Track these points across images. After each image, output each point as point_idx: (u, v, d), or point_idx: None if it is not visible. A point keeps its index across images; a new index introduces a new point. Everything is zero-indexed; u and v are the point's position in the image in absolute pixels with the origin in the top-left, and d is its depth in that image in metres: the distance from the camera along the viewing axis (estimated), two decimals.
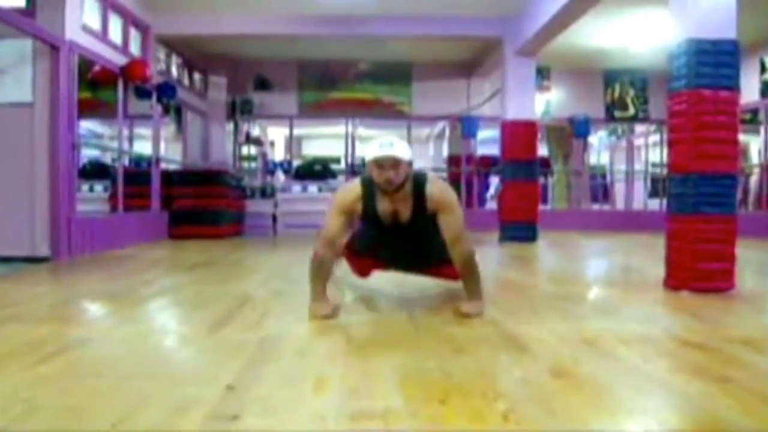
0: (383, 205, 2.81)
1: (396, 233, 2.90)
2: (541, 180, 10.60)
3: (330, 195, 9.38)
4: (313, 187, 9.66)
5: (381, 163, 2.66)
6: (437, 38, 8.74)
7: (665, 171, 4.81)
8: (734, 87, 3.65)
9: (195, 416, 1.50)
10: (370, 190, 2.80)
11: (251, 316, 2.82)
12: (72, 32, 5.56)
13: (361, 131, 11.81)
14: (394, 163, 2.65)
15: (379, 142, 2.72)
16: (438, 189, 2.81)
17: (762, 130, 9.58)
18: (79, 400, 1.64)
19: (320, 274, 2.79)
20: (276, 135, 13.62)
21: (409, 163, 2.73)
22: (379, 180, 2.70)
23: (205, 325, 2.64)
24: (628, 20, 8.18)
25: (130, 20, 7.01)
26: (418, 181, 2.80)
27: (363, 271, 3.39)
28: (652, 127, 11.49)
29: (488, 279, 3.95)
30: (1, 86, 5.31)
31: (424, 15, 7.85)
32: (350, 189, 2.87)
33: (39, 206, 5.31)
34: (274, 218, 9.35)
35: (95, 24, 6.18)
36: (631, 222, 10.64)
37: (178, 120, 9.27)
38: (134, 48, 7.17)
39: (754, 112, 9.56)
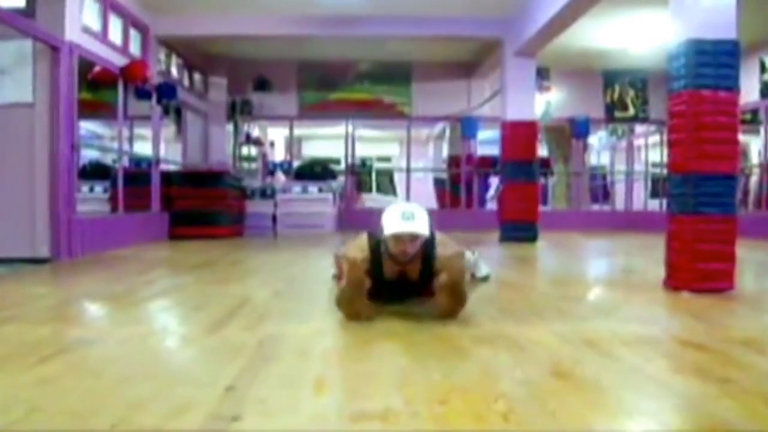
0: (389, 269, 2.77)
1: (397, 285, 2.86)
2: (541, 180, 10.59)
3: (330, 196, 9.48)
4: (313, 188, 9.65)
5: (400, 237, 2.60)
6: (437, 39, 8.74)
7: (665, 171, 4.81)
8: (734, 87, 3.65)
9: (195, 417, 1.50)
10: (377, 256, 2.72)
11: (251, 317, 2.82)
12: (72, 33, 5.56)
13: (361, 132, 11.82)
14: (414, 237, 2.61)
15: (401, 211, 2.61)
16: (448, 253, 2.71)
17: (762, 130, 9.57)
18: (79, 400, 1.64)
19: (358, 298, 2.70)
20: (276, 135, 13.63)
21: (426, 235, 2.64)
22: (395, 251, 2.65)
23: (204, 325, 2.64)
24: (628, 21, 8.17)
25: (129, 21, 7.01)
26: (428, 246, 2.71)
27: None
28: (652, 128, 11.48)
29: (489, 279, 3.95)
30: (1, 87, 5.31)
31: (424, 15, 7.85)
32: (361, 258, 2.67)
33: (39, 207, 5.30)
34: (274, 219, 9.34)
35: (95, 25, 6.18)
36: (631, 222, 10.64)
37: (178, 121, 9.26)
38: (134, 49, 7.17)
39: (754, 112, 9.56)
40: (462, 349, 2.22)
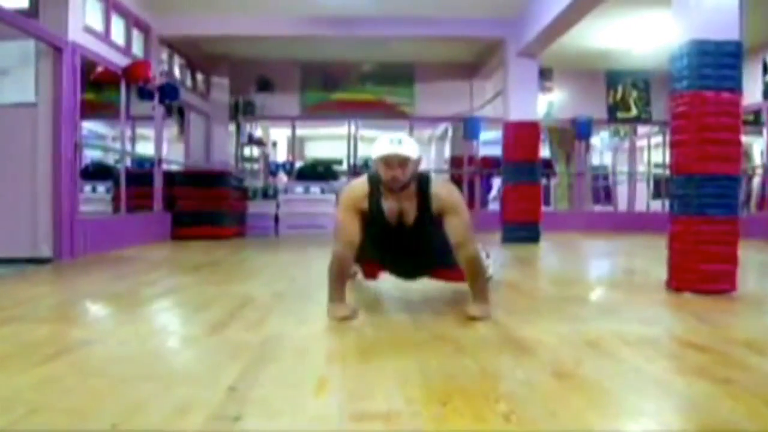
0: (389, 204, 2.77)
1: (400, 235, 2.86)
2: (544, 181, 10.58)
3: (332, 197, 9.47)
4: (315, 189, 9.65)
5: (389, 161, 2.63)
6: (440, 39, 8.74)
7: (668, 172, 4.80)
8: (737, 88, 3.64)
9: (196, 417, 1.50)
10: (376, 187, 2.76)
11: (253, 317, 2.82)
12: (74, 33, 5.57)
13: (364, 132, 11.82)
14: (402, 161, 2.63)
15: (388, 138, 2.68)
16: (444, 190, 2.81)
17: (764, 131, 9.55)
18: (80, 400, 1.64)
19: (340, 274, 2.80)
20: (278, 136, 13.63)
21: (417, 162, 2.70)
22: (386, 177, 2.66)
23: (206, 326, 2.65)
24: (631, 21, 8.16)
25: (132, 21, 7.02)
26: (423, 181, 2.77)
27: (371, 274, 3.47)
28: (655, 129, 11.47)
29: (491, 281, 3.95)
30: (3, 87, 5.32)
31: (427, 16, 7.84)
32: (357, 186, 2.83)
33: (41, 207, 5.31)
34: (277, 219, 9.35)
35: (98, 25, 6.18)
36: (633, 223, 10.62)
37: (180, 121, 9.27)
38: (137, 49, 7.18)
39: (757, 113, 9.54)
40: (463, 349, 2.21)
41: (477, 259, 2.77)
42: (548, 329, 2.58)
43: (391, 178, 2.65)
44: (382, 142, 2.67)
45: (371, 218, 2.79)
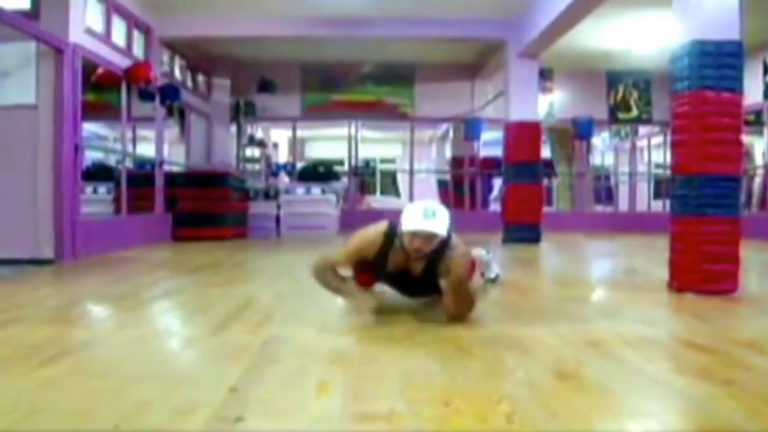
0: (395, 258, 2.75)
1: (400, 276, 2.87)
2: (545, 182, 10.56)
3: (333, 197, 9.48)
4: (316, 189, 9.64)
5: (418, 234, 2.57)
6: (440, 40, 8.75)
7: (669, 172, 4.80)
8: (737, 88, 3.64)
9: (198, 418, 1.50)
10: (389, 244, 2.72)
11: (254, 319, 2.82)
12: (75, 35, 5.57)
13: (364, 133, 11.83)
14: (431, 236, 2.58)
15: (422, 208, 2.58)
16: (460, 262, 2.67)
17: (765, 131, 9.55)
18: (82, 402, 1.64)
19: (335, 274, 2.84)
20: (279, 137, 13.65)
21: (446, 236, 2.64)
22: (408, 246, 2.62)
23: (208, 327, 2.65)
24: (632, 22, 8.17)
25: (133, 23, 7.02)
26: (442, 245, 2.67)
27: (365, 284, 3.39)
28: (656, 129, 11.47)
29: (498, 281, 3.94)
30: (5, 88, 5.33)
31: (427, 17, 7.85)
32: (371, 238, 2.76)
33: (43, 208, 5.31)
34: (278, 220, 9.34)
35: (99, 26, 6.19)
36: (634, 223, 10.63)
37: (181, 122, 9.27)
38: (138, 50, 7.19)
39: (758, 113, 9.54)
40: (465, 350, 2.22)
41: (472, 305, 2.76)
42: (550, 330, 2.58)
43: (415, 249, 2.61)
44: (416, 213, 2.57)
45: (373, 264, 2.79)
